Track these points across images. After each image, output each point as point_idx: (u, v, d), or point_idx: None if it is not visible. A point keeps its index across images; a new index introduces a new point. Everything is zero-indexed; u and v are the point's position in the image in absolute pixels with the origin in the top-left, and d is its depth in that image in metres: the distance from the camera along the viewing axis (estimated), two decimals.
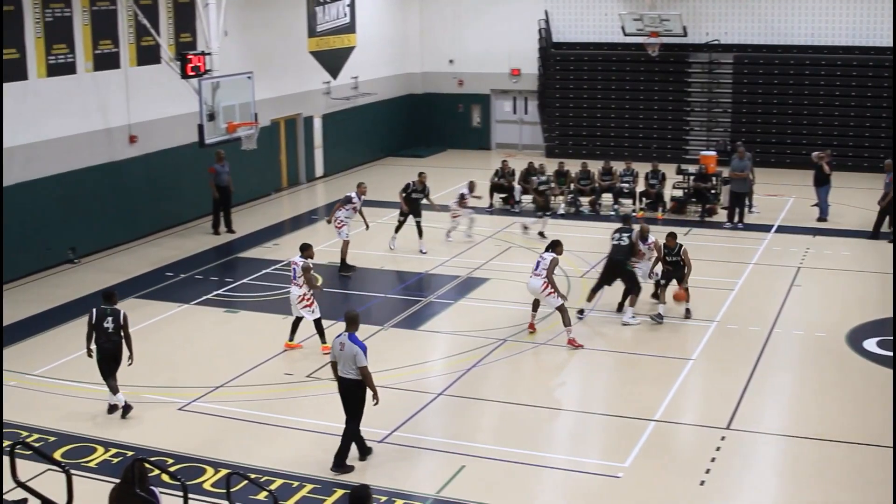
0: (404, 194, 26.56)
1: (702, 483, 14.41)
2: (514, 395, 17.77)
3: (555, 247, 20.60)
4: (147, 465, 10.84)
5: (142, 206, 28.30)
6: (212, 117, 25.08)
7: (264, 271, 24.94)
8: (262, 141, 28.01)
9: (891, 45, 36.29)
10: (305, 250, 19.69)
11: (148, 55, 27.86)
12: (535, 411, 17.16)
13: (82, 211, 26.21)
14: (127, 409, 16.68)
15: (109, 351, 16.54)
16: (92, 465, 14.97)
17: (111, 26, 26.80)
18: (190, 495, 10.56)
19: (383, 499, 13.82)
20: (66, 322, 21.24)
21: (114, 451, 15.41)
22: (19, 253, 24.26)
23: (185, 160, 29.27)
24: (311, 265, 19.61)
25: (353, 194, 24.87)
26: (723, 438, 15.83)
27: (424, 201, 26.90)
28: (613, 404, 17.51)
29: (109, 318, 16.49)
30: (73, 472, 10.33)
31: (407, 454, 15.48)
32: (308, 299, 19.48)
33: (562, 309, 20.03)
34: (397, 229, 26.73)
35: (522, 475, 14.86)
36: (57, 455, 14.99)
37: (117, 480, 11.03)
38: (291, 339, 19.75)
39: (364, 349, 14.53)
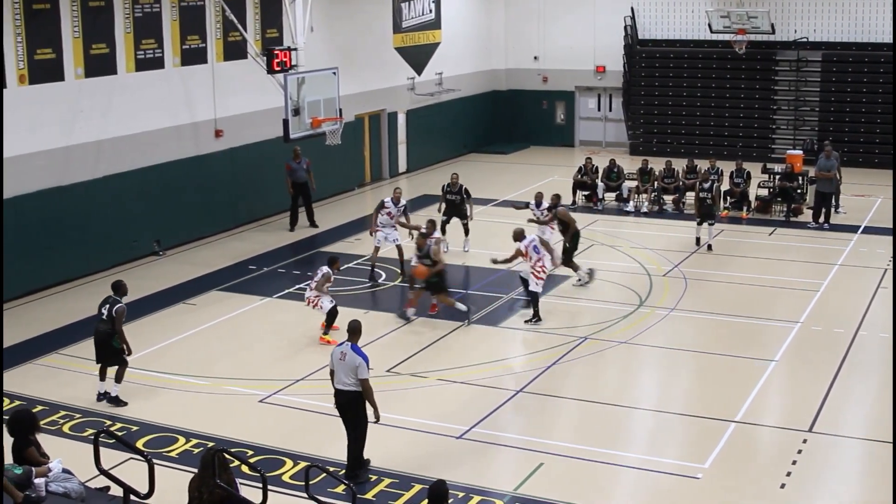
0: (442, 194, 26.54)
1: (782, 486, 14.23)
2: (594, 392, 17.68)
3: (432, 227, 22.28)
4: (227, 456, 10.95)
5: (226, 200, 28.62)
6: (297, 112, 25.25)
7: (346, 266, 24.86)
8: (346, 136, 28.14)
9: None
10: (332, 263, 20.25)
11: (234, 51, 28.18)
12: (615, 409, 17.07)
13: (168, 204, 26.56)
14: (111, 397, 17.09)
15: (96, 337, 17.07)
16: (173, 454, 15.17)
17: (199, 22, 27.16)
18: (269, 487, 10.65)
19: (461, 494, 13.83)
20: (149, 314, 21.51)
21: (195, 441, 15.60)
22: (106, 245, 24.71)
23: (270, 155, 29.48)
24: (332, 276, 20.08)
25: (388, 200, 24.41)
26: (804, 441, 15.61)
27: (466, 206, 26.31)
28: (694, 404, 17.35)
29: (106, 307, 16.98)
30: (154, 461, 10.49)
31: (485, 451, 15.49)
32: (317, 304, 20.13)
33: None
34: (442, 230, 25.61)
35: (600, 473, 14.81)
36: (139, 444, 15.23)
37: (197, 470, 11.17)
38: (326, 333, 20.14)
39: (367, 360, 14.18)
